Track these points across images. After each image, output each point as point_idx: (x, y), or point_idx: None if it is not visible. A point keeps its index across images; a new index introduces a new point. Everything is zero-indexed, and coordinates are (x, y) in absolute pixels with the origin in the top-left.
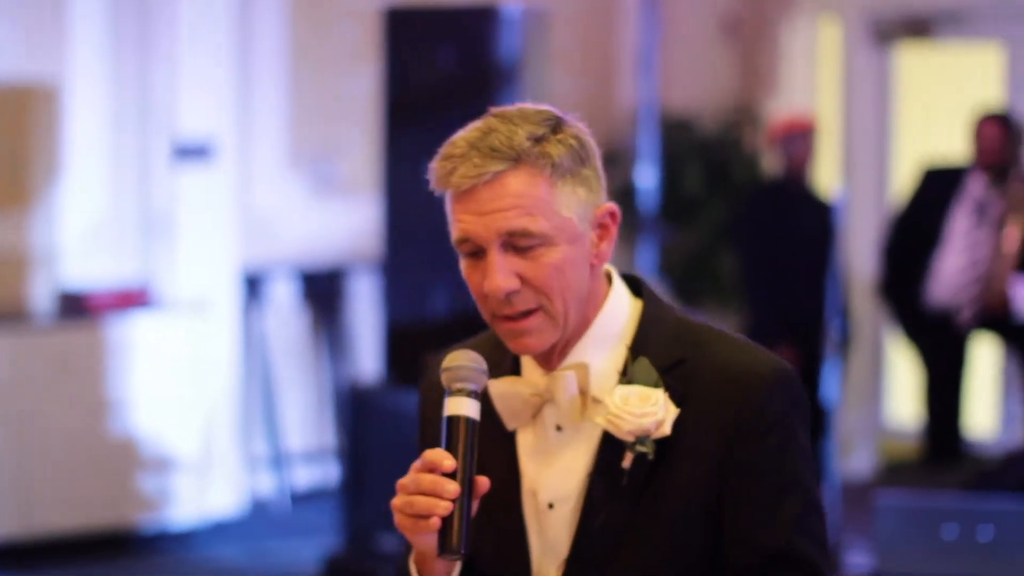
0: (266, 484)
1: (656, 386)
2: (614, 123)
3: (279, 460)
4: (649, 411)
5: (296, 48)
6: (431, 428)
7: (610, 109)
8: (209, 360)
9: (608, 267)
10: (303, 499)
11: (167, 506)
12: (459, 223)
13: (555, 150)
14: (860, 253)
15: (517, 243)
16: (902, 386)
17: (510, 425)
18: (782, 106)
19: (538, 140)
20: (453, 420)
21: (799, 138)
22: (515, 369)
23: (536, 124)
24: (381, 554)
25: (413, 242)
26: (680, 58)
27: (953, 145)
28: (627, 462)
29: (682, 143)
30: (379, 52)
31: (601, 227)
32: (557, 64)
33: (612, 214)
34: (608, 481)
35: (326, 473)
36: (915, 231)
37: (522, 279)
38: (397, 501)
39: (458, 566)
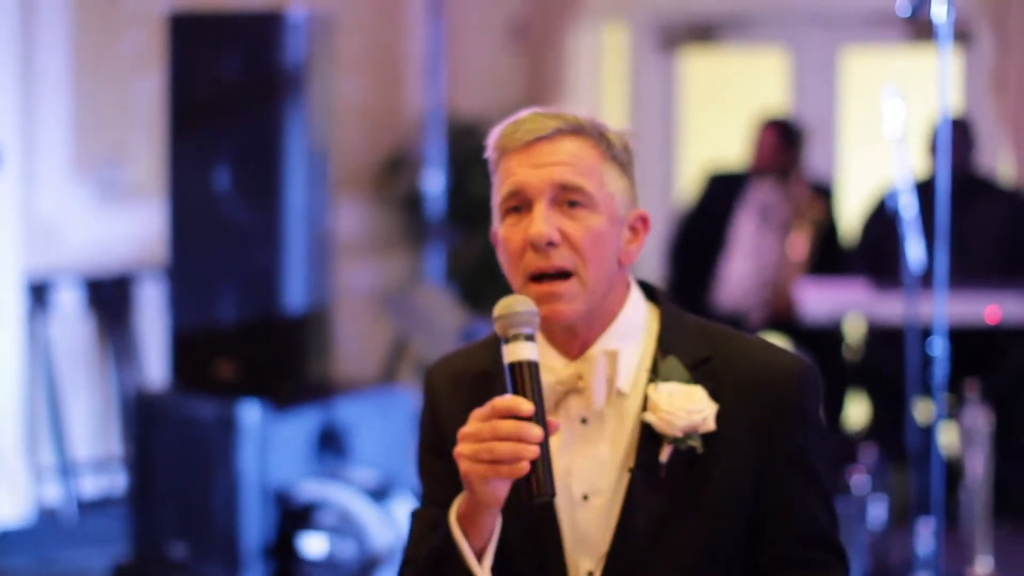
0: (53, 493)
1: (689, 383)
2: (401, 129)
3: (66, 469)
4: (696, 407)
5: (81, 54)
6: (442, 437)
7: (397, 114)
8: None
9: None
10: (91, 508)
11: None
12: (513, 176)
13: (611, 137)
14: (646, 256)
15: (566, 197)
16: None
17: None
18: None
19: (598, 126)
20: (518, 366)
21: None
22: None
23: (596, 121)
24: (171, 562)
25: (199, 248)
26: (467, 63)
27: (738, 148)
28: (665, 456)
29: (469, 148)
30: (164, 57)
31: (632, 229)
32: (344, 70)
33: (644, 219)
34: (647, 476)
35: (113, 481)
36: (700, 235)
37: (563, 235)
38: (466, 449)
39: (498, 527)
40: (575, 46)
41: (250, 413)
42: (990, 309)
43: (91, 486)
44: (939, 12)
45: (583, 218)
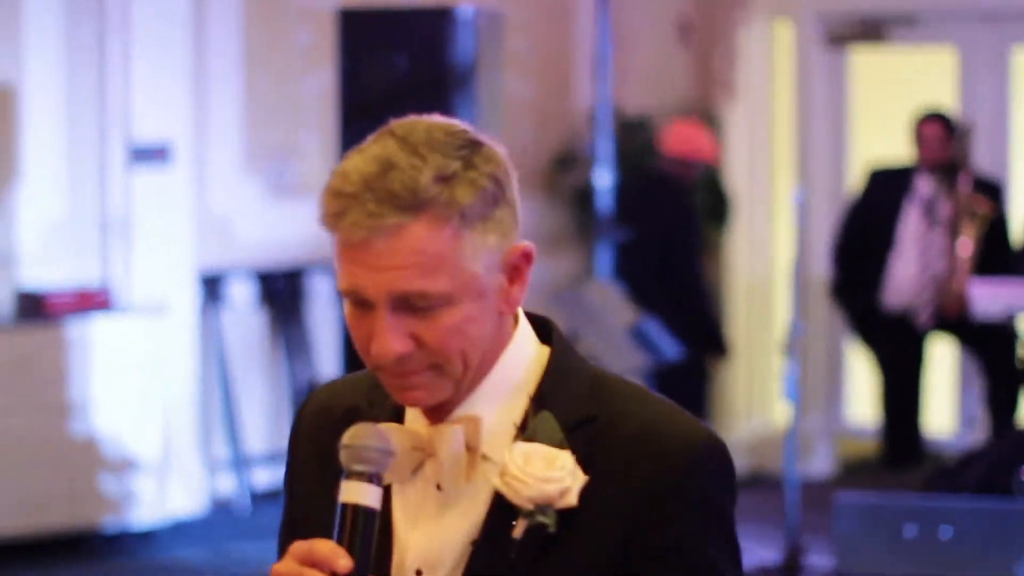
0: (226, 485)
1: (561, 446)
2: (570, 125)
3: (239, 461)
4: (555, 476)
5: (251, 50)
6: (296, 469)
7: (566, 111)
8: (168, 362)
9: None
10: (264, 499)
11: (128, 507)
12: (346, 272)
13: (464, 194)
14: (819, 255)
15: (413, 303)
16: (860, 387)
17: (386, 479)
18: (738, 108)
19: (447, 180)
20: (348, 510)
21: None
22: (396, 412)
23: (446, 155)
24: None
25: None
26: (635, 60)
27: (907, 147)
28: (519, 532)
29: (638, 145)
30: (333, 54)
31: (513, 269)
32: (512, 66)
33: (526, 255)
34: (494, 552)
35: None
36: (864, 233)
37: (416, 340)
38: None
39: None
40: (743, 43)
41: None
42: None
43: (264, 478)
44: None
45: (439, 317)
